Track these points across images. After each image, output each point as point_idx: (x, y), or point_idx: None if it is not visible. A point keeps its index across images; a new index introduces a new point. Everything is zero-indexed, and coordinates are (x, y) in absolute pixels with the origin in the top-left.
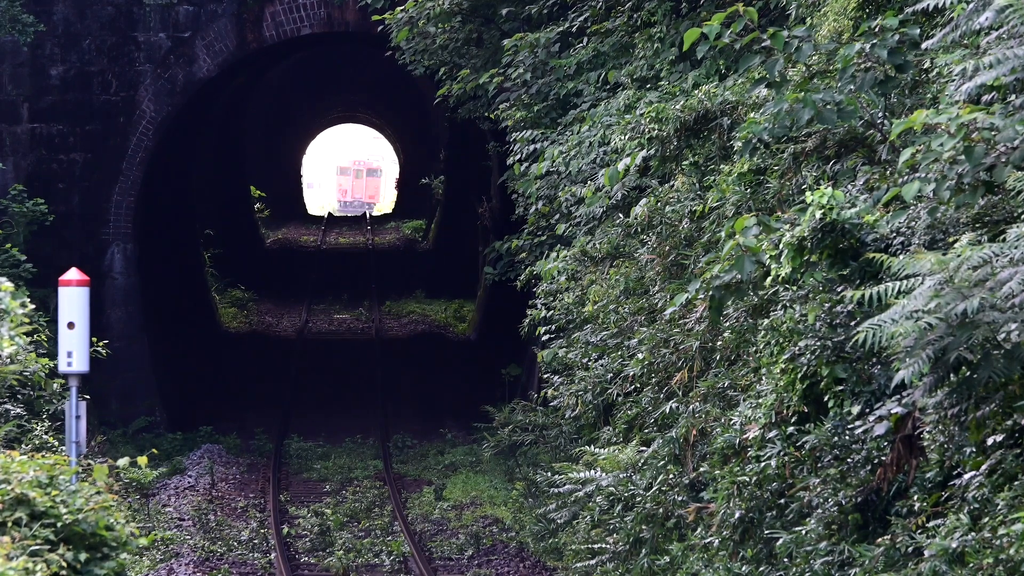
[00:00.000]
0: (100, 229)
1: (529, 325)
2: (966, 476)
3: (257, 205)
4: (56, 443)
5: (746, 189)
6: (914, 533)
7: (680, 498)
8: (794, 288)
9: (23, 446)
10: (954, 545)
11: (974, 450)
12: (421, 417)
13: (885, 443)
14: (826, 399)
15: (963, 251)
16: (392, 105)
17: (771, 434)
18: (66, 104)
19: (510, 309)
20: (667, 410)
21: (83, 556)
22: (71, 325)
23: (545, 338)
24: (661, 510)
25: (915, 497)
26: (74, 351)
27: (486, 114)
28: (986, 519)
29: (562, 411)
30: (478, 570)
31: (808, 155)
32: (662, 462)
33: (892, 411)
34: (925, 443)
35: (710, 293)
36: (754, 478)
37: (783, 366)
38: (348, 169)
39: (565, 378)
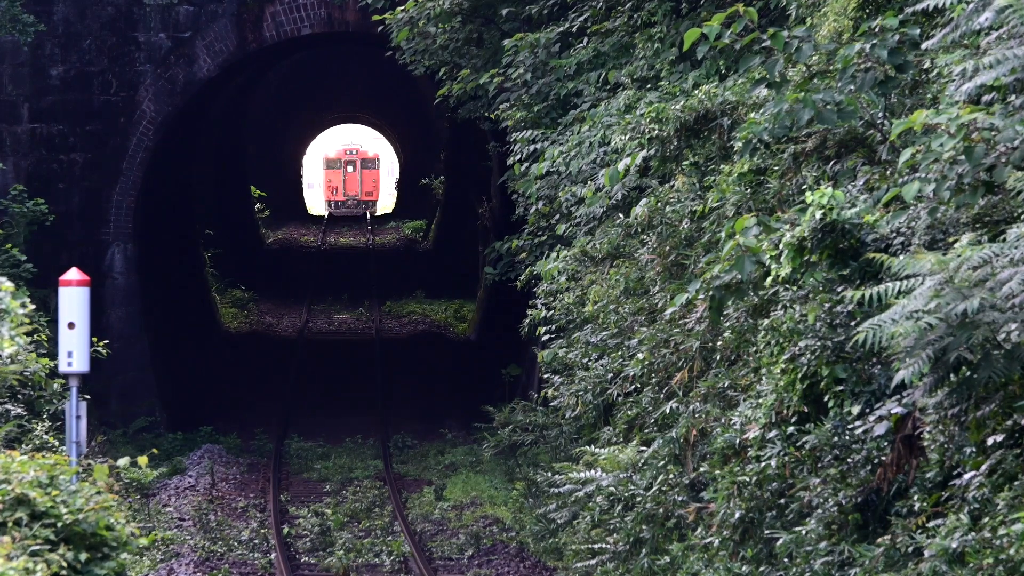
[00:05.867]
0: (100, 229)
1: (529, 325)
2: (966, 476)
3: (257, 205)
4: (56, 443)
5: (746, 189)
6: (914, 533)
7: (680, 498)
8: (794, 288)
9: (23, 446)
10: (954, 545)
11: (974, 450)
12: (421, 417)
13: (885, 443)
14: (826, 399)
15: (963, 251)
16: (392, 105)
17: (771, 434)
18: (66, 104)
19: (510, 309)
20: (667, 410)
21: (83, 556)
22: (71, 325)
23: (545, 338)
24: (661, 510)
25: (915, 497)
26: (74, 351)
27: (486, 114)
28: (986, 519)
29: (562, 411)
30: (478, 570)
31: (808, 155)
32: (662, 462)
33: (892, 411)
34: (925, 443)
35: (710, 293)
36: (754, 478)
37: (783, 366)
38: (338, 161)
39: (565, 378)
